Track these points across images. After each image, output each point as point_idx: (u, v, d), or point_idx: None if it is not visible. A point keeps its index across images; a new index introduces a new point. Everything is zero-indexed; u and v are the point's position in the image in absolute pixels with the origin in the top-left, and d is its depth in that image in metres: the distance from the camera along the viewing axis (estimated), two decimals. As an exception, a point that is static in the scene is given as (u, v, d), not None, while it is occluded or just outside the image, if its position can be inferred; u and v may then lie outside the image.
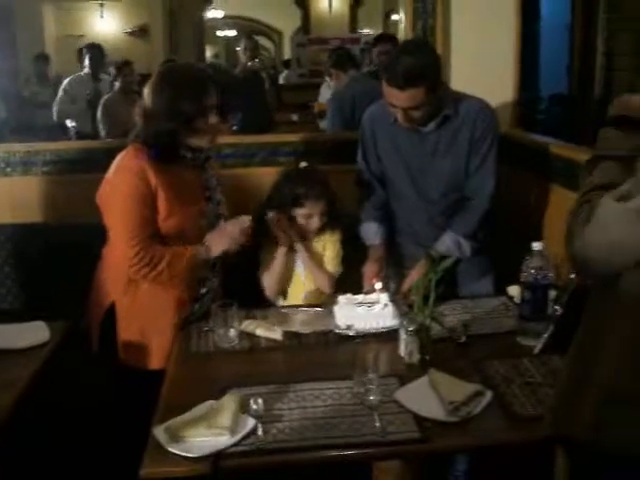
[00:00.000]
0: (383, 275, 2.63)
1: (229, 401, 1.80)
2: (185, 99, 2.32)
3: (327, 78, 5.48)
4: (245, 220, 2.45)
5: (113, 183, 2.36)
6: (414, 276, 2.53)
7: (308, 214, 2.64)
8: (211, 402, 1.82)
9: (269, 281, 2.67)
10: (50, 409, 2.41)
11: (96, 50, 6.27)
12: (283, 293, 2.72)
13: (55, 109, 6.03)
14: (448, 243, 2.61)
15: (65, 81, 6.09)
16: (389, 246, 2.78)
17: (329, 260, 2.72)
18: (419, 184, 2.67)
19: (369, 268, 2.68)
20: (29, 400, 2.10)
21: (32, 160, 3.24)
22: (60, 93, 6.06)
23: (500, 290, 2.64)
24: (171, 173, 2.37)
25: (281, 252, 2.65)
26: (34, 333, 2.42)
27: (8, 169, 3.24)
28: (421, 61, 2.42)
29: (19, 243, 3.07)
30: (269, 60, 13.13)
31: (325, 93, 6.04)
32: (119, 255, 2.38)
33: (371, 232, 2.75)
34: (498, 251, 2.78)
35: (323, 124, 5.68)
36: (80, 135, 5.74)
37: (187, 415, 1.78)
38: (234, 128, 5.94)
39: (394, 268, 2.79)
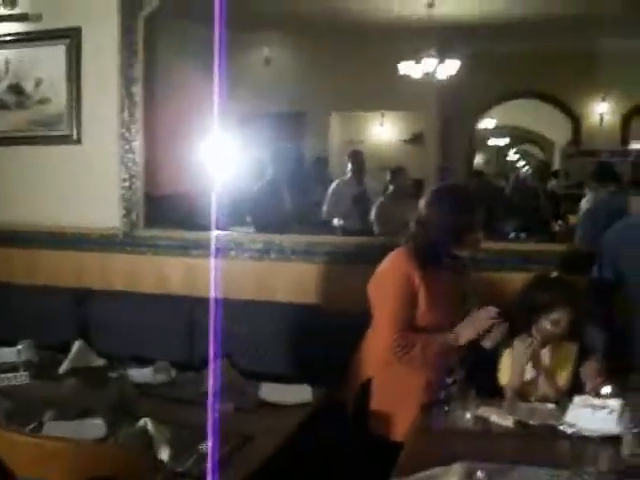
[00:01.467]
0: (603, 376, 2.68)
1: (456, 468, 2.07)
2: (455, 216, 2.74)
3: (586, 190, 5.58)
4: (491, 310, 2.74)
5: (383, 279, 2.82)
6: None
7: (556, 320, 2.78)
8: (439, 468, 2.11)
9: (508, 380, 2.83)
10: (302, 461, 2.78)
11: (358, 156, 6.99)
12: (520, 392, 2.83)
13: (324, 208, 6.75)
14: None
15: (333, 184, 6.84)
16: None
17: (560, 371, 2.82)
18: None
19: (588, 367, 2.75)
20: (288, 448, 2.51)
21: (313, 250, 3.80)
22: (328, 194, 6.78)
23: None
24: (434, 275, 2.77)
25: (522, 357, 2.79)
26: (300, 393, 2.89)
27: (293, 256, 3.83)
28: None
29: (293, 320, 3.56)
30: (539, 169, 13.30)
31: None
32: (380, 338, 2.79)
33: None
34: None
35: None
36: (346, 232, 6.35)
37: (417, 476, 2.08)
38: (510, 236, 6.27)
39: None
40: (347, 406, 2.86)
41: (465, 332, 2.75)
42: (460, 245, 2.79)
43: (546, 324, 2.81)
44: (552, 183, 11.01)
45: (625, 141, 10.58)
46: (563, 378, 2.82)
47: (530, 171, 10.83)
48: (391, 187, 6.38)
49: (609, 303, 2.94)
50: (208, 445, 2.20)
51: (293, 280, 3.78)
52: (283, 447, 2.48)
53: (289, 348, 3.46)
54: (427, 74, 8.28)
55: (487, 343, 2.79)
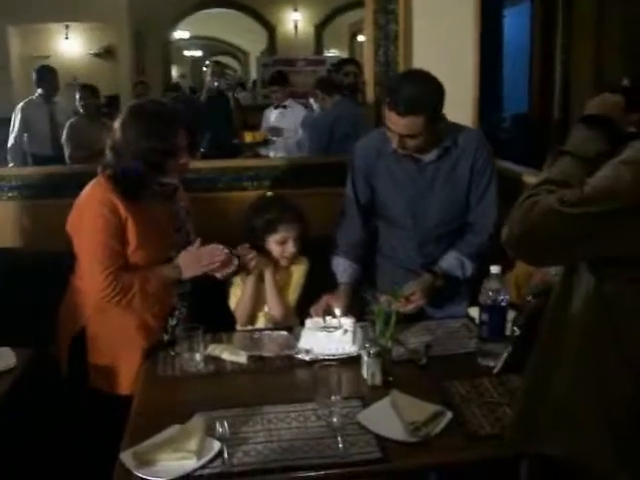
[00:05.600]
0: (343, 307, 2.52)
1: (195, 425, 1.84)
2: (155, 139, 2.36)
3: (311, 100, 5.43)
4: (221, 250, 2.50)
5: (83, 213, 2.40)
6: (413, 287, 2.56)
7: (283, 239, 2.66)
8: (177, 426, 1.86)
9: (239, 310, 2.69)
10: (18, 435, 2.42)
11: (48, 73, 6.17)
12: (252, 319, 2.73)
13: (11, 134, 5.94)
14: (452, 261, 2.64)
15: (18, 105, 5.97)
16: (369, 265, 2.79)
17: (290, 289, 2.73)
18: (416, 214, 2.67)
19: (330, 298, 2.61)
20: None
21: (-3, 185, 3.26)
22: (14, 117, 5.95)
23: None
24: (140, 205, 2.41)
25: (251, 281, 2.66)
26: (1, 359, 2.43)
27: (-27, 194, 3.26)
28: (424, 90, 2.44)
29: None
30: (234, 79, 13.20)
31: (272, 118, 6.00)
32: (88, 283, 2.42)
33: (340, 269, 2.72)
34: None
35: (265, 151, 5.78)
36: (38, 158, 5.71)
37: (154, 439, 1.81)
38: (201, 150, 5.96)
39: (369, 286, 2.80)
40: (60, 364, 2.48)
41: (191, 268, 2.49)
42: (165, 171, 2.43)
43: (274, 246, 2.66)
44: (243, 94, 10.90)
45: (319, 50, 10.80)
46: (291, 295, 2.73)
47: (223, 83, 10.70)
48: (81, 106, 5.80)
49: (360, 228, 2.78)
50: None
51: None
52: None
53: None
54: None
55: (218, 275, 2.55)
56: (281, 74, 6.62)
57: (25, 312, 2.86)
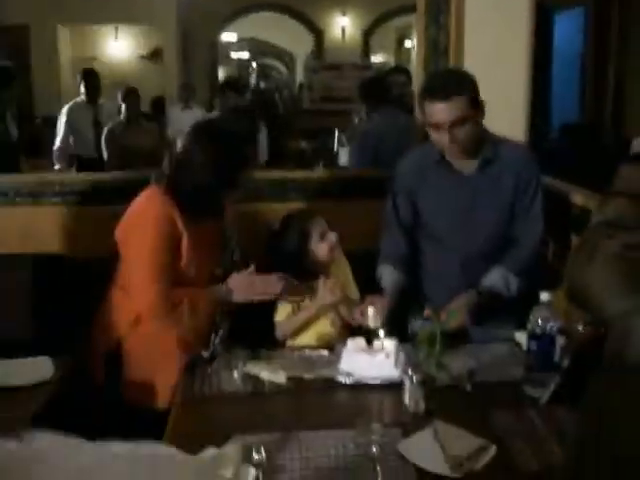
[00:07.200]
0: (383, 318, 2.42)
1: (232, 451, 1.79)
2: (228, 155, 2.37)
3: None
4: (278, 285, 2.46)
5: (138, 224, 2.38)
6: (452, 306, 2.46)
7: (322, 231, 2.62)
8: (213, 449, 1.81)
9: (286, 328, 2.64)
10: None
11: (91, 76, 6.22)
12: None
13: (58, 136, 6.01)
14: (496, 278, 2.55)
15: (64, 108, 6.07)
16: (411, 284, 2.72)
17: (347, 286, 2.69)
18: (459, 230, 2.60)
19: (373, 299, 2.49)
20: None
21: (42, 191, 3.25)
22: (60, 120, 6.03)
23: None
24: (195, 221, 2.39)
25: (309, 310, 2.62)
26: (38, 369, 2.42)
27: (18, 199, 3.25)
28: (458, 75, 2.53)
29: (27, 273, 3.06)
30: (281, 82, 13.23)
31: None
32: (136, 293, 2.39)
33: (385, 273, 2.65)
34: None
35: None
36: (82, 160, 5.82)
37: (190, 461, 1.76)
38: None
39: (414, 304, 2.71)
40: (95, 376, 2.46)
41: (243, 294, 2.45)
42: (237, 186, 2.45)
43: (319, 248, 2.62)
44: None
45: (366, 55, 10.79)
46: (351, 291, 2.71)
47: (271, 85, 10.64)
48: (124, 109, 5.79)
49: (402, 244, 2.71)
50: None
51: (21, 227, 3.22)
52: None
53: (21, 308, 2.95)
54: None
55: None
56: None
57: (66, 319, 2.87)
